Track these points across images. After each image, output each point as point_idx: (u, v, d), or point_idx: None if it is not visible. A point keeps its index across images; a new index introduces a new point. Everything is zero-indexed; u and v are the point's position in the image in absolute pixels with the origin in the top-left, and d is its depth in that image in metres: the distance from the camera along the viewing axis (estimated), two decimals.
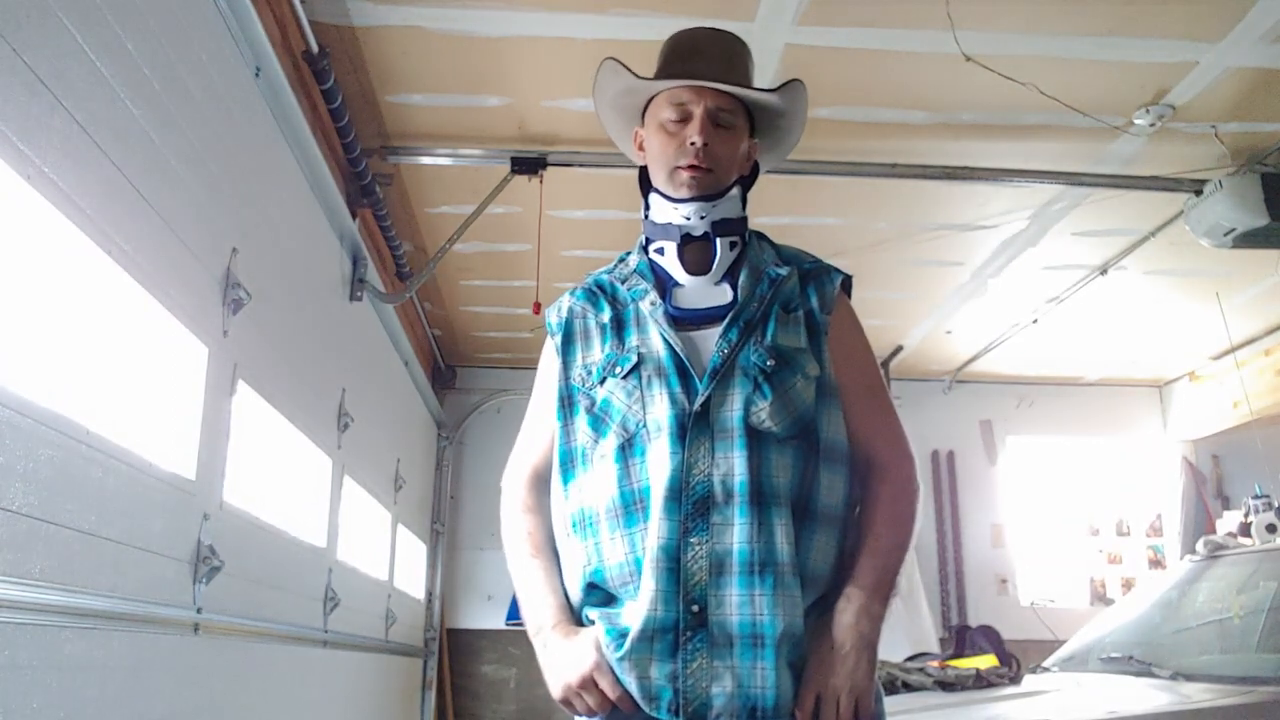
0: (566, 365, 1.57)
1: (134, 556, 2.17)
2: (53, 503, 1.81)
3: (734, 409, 1.42)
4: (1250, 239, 4.22)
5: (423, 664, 6.70)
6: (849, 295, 1.60)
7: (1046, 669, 3.39)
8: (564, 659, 1.42)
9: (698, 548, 1.37)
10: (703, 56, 1.56)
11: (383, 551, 5.40)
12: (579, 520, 1.49)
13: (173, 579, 2.39)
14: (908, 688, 3.09)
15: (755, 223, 1.64)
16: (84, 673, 1.96)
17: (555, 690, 1.44)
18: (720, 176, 1.52)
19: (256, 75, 2.98)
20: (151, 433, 2.29)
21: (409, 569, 6.17)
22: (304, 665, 3.76)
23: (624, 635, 1.38)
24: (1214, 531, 4.94)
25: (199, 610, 2.52)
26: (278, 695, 3.40)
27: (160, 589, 2.32)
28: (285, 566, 3.43)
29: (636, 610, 1.37)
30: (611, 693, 1.37)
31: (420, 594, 6.65)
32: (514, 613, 6.93)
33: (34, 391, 1.75)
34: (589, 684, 1.39)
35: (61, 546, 1.85)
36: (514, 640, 6.94)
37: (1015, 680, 3.17)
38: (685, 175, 1.50)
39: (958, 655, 4.49)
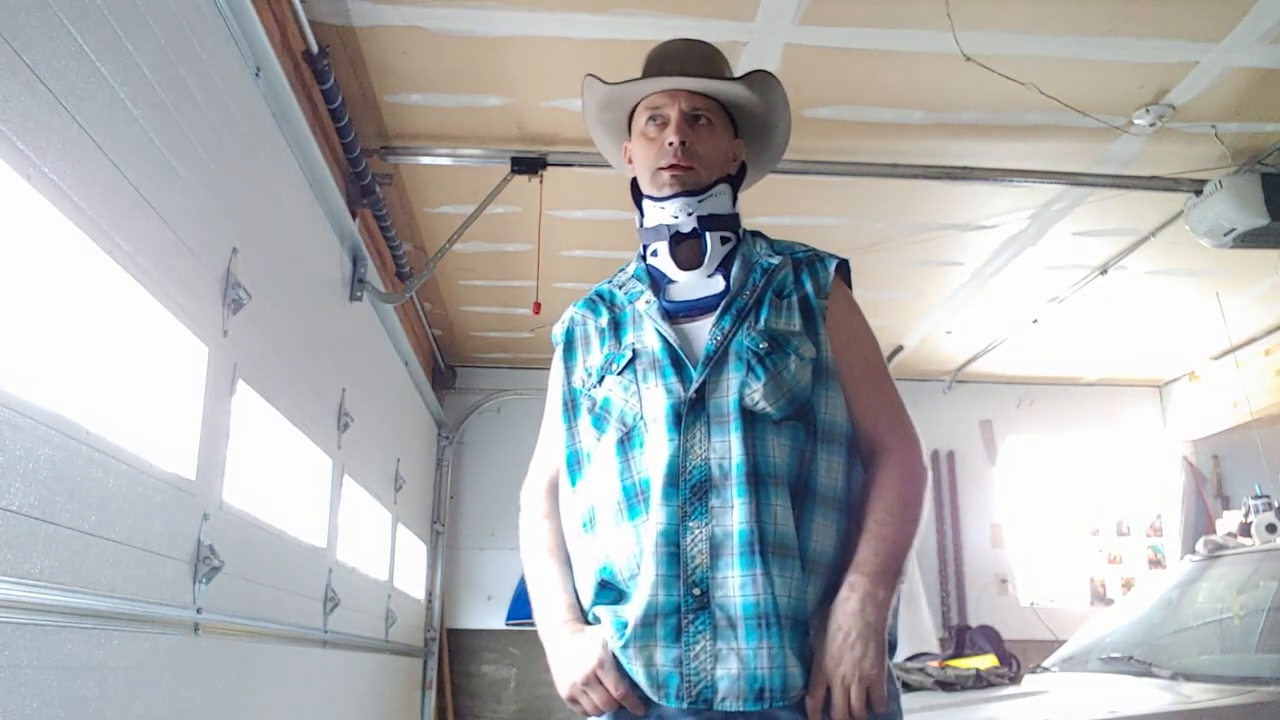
0: (569, 371, 1.60)
1: (134, 556, 2.17)
2: (53, 503, 1.81)
3: (729, 392, 1.43)
4: (1250, 239, 4.22)
5: (423, 664, 6.70)
6: (848, 282, 1.60)
7: (1046, 669, 3.39)
8: (571, 656, 1.42)
9: (697, 531, 1.37)
10: (675, 62, 1.59)
11: (383, 551, 5.40)
12: (588, 519, 1.50)
13: (173, 579, 2.39)
14: (908, 688, 3.09)
15: (756, 223, 1.64)
16: (84, 673, 1.96)
17: (562, 688, 1.44)
18: (701, 173, 1.55)
19: (256, 75, 2.98)
20: (151, 433, 2.29)
21: (409, 569, 6.17)
22: (304, 665, 3.76)
23: (627, 624, 1.38)
24: (1214, 531, 4.94)
25: (199, 610, 2.52)
26: (278, 695, 3.40)
27: (160, 589, 2.32)
28: (285, 566, 3.43)
29: (639, 597, 1.38)
30: (616, 690, 1.37)
31: (420, 594, 6.65)
32: (514, 613, 6.93)
33: (34, 391, 1.75)
34: (593, 681, 1.38)
35: (61, 546, 1.85)
36: (514, 640, 6.94)
37: (1015, 680, 3.18)
38: (666, 175, 1.54)
39: (958, 655, 4.49)
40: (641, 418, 1.46)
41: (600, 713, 1.40)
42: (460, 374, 7.42)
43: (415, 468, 6.23)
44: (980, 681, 3.10)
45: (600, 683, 1.38)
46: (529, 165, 4.17)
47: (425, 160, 4.29)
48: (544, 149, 4.18)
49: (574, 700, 1.42)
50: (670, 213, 1.54)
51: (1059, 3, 3.27)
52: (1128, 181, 4.40)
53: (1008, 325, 6.45)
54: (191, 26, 2.51)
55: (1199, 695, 2.62)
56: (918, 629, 6.22)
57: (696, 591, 1.35)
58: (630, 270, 1.63)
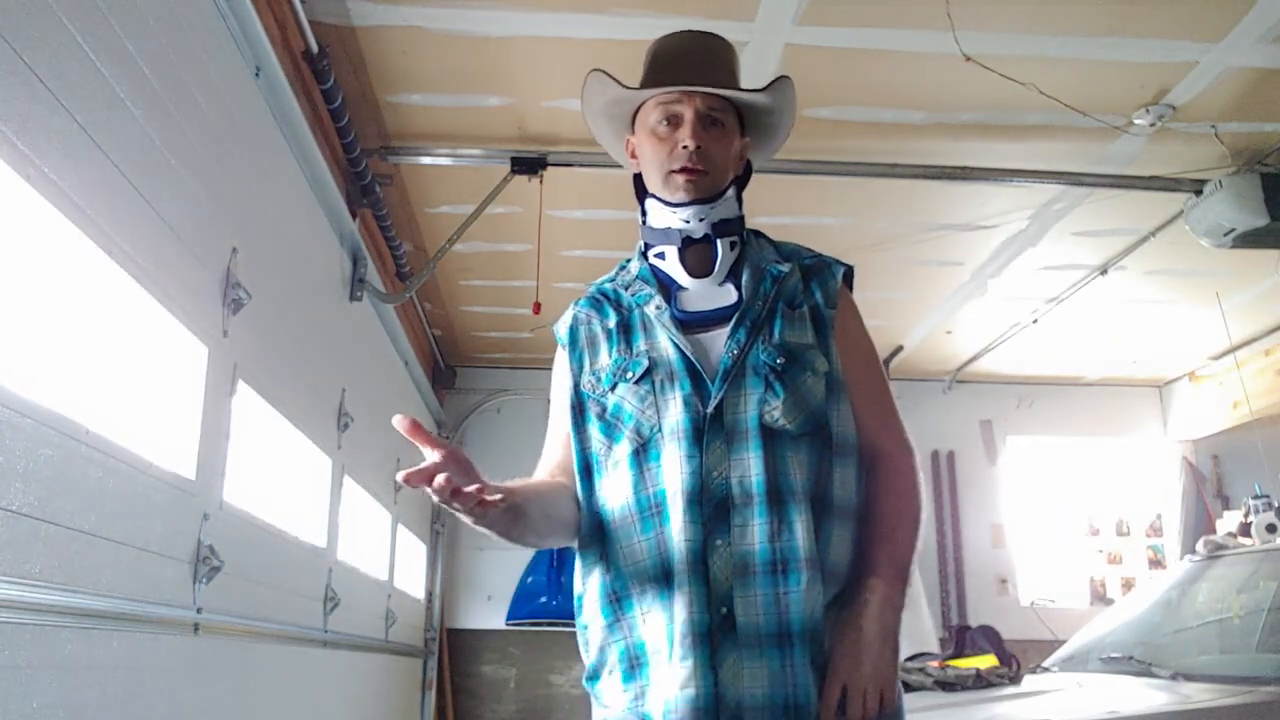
0: (575, 374, 1.57)
1: (134, 556, 2.16)
2: (53, 503, 1.81)
3: (748, 409, 1.42)
4: (1250, 239, 4.22)
5: (423, 664, 6.70)
6: (850, 287, 1.60)
7: (1046, 669, 3.39)
8: None
9: (722, 550, 1.37)
10: (688, 60, 1.55)
11: (383, 551, 5.40)
12: (597, 527, 1.49)
13: (173, 579, 2.39)
14: (908, 688, 3.08)
15: (755, 223, 1.64)
16: (84, 673, 1.96)
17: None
18: (716, 178, 1.53)
19: (256, 75, 2.98)
20: (151, 433, 2.29)
21: (409, 569, 6.17)
22: (304, 665, 3.76)
23: (661, 640, 1.38)
24: (1214, 531, 4.94)
25: (199, 610, 2.52)
26: (278, 695, 3.40)
27: (160, 589, 2.32)
28: (285, 566, 3.43)
29: (669, 617, 1.37)
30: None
31: (420, 594, 6.65)
32: (514, 613, 6.93)
33: (34, 391, 1.75)
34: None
35: (61, 546, 1.85)
36: (514, 640, 6.94)
37: (1015, 680, 3.17)
38: (680, 179, 1.51)
39: (958, 655, 4.49)
40: (659, 430, 1.44)
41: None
42: (460, 374, 7.42)
43: None
44: (980, 681, 3.10)
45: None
46: (529, 165, 4.16)
47: (425, 160, 4.28)
48: (544, 149, 4.18)
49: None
50: (682, 217, 1.52)
51: (1059, 3, 3.27)
52: (1128, 181, 4.39)
53: (1008, 325, 6.45)
54: (191, 26, 2.50)
55: (1199, 695, 2.62)
56: (918, 629, 6.22)
57: (723, 611, 1.36)
58: (633, 270, 1.60)
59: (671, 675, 1.35)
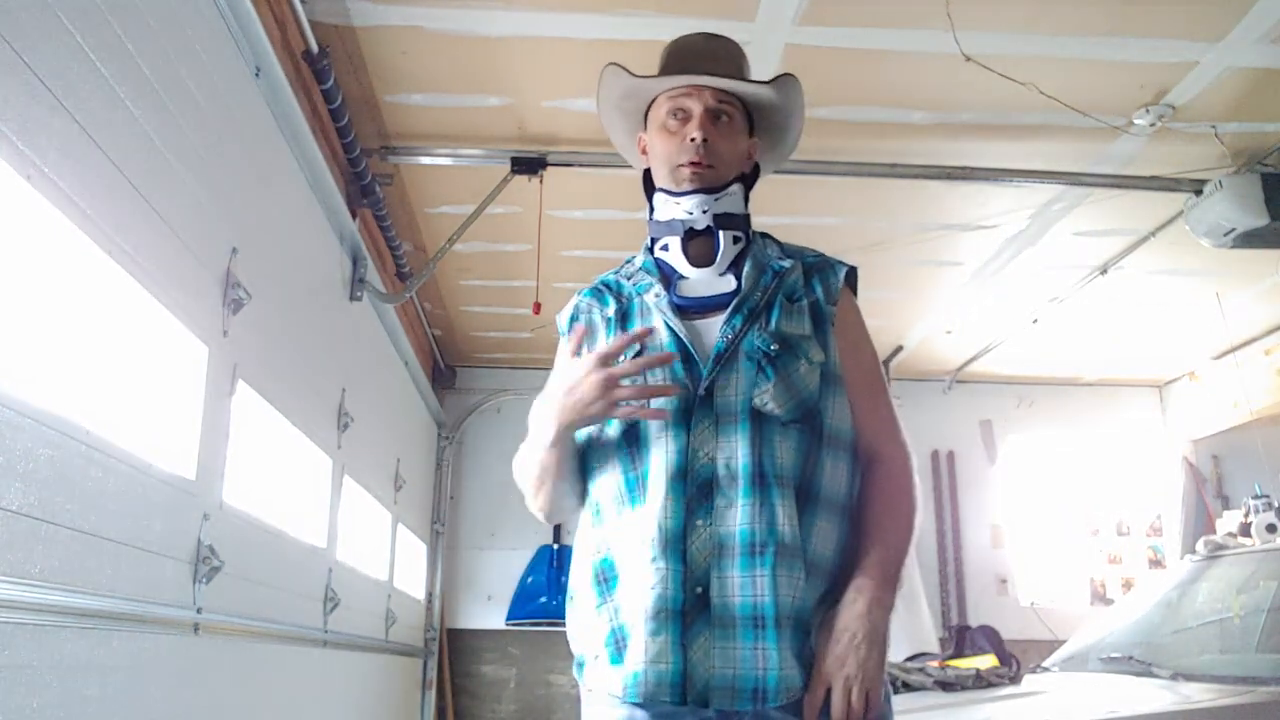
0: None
1: (134, 556, 2.17)
2: (53, 503, 1.81)
3: (738, 392, 1.44)
4: (1250, 239, 4.22)
5: (423, 664, 6.70)
6: (854, 289, 1.61)
7: (1046, 669, 3.39)
8: (563, 380, 1.46)
9: (702, 530, 1.39)
10: (699, 58, 1.59)
11: (383, 551, 5.40)
12: (595, 508, 1.52)
13: (173, 579, 2.39)
14: (908, 688, 3.09)
15: (755, 223, 1.65)
16: (84, 673, 1.96)
17: (579, 399, 1.42)
18: (721, 172, 1.55)
19: (256, 75, 2.98)
20: (151, 433, 2.29)
21: (409, 569, 6.17)
22: (304, 665, 3.76)
23: (637, 616, 1.38)
24: (1214, 531, 4.94)
25: (199, 610, 2.52)
26: (278, 695, 3.40)
27: (160, 589, 2.32)
28: (285, 566, 3.43)
29: (644, 592, 1.38)
30: (624, 340, 1.45)
31: (420, 594, 6.65)
32: (514, 613, 6.93)
33: (34, 391, 1.75)
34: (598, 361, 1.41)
35: (61, 546, 1.85)
36: (514, 640, 6.94)
37: (1015, 680, 3.18)
38: (687, 171, 1.54)
39: (958, 655, 4.50)
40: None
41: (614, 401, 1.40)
42: (460, 374, 7.42)
43: (415, 468, 6.22)
44: (980, 681, 3.10)
45: (606, 359, 1.41)
46: (529, 165, 4.17)
47: (425, 160, 4.29)
48: (544, 149, 4.18)
49: (595, 401, 1.41)
50: (685, 208, 1.55)
51: (1059, 3, 3.27)
52: (1128, 181, 4.39)
53: (1008, 325, 6.45)
54: (191, 26, 2.51)
55: (1199, 695, 2.62)
56: (918, 629, 6.22)
57: (699, 590, 1.37)
58: (638, 262, 1.63)
59: (642, 649, 1.36)
